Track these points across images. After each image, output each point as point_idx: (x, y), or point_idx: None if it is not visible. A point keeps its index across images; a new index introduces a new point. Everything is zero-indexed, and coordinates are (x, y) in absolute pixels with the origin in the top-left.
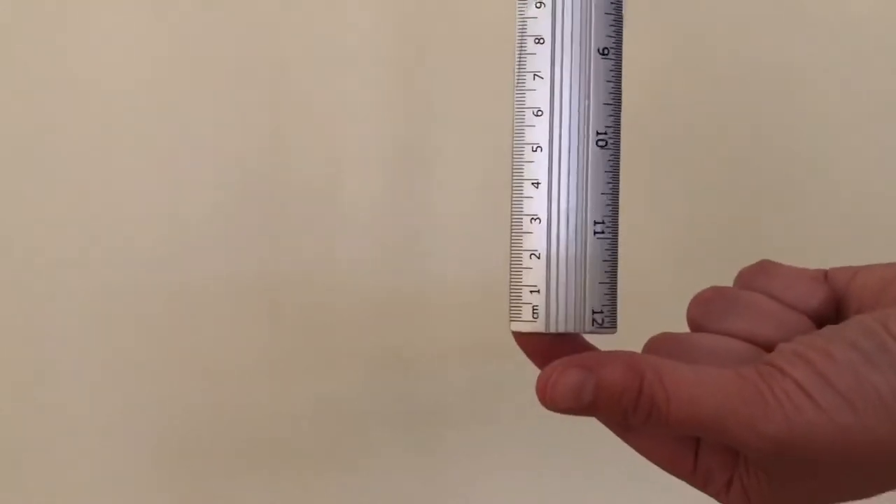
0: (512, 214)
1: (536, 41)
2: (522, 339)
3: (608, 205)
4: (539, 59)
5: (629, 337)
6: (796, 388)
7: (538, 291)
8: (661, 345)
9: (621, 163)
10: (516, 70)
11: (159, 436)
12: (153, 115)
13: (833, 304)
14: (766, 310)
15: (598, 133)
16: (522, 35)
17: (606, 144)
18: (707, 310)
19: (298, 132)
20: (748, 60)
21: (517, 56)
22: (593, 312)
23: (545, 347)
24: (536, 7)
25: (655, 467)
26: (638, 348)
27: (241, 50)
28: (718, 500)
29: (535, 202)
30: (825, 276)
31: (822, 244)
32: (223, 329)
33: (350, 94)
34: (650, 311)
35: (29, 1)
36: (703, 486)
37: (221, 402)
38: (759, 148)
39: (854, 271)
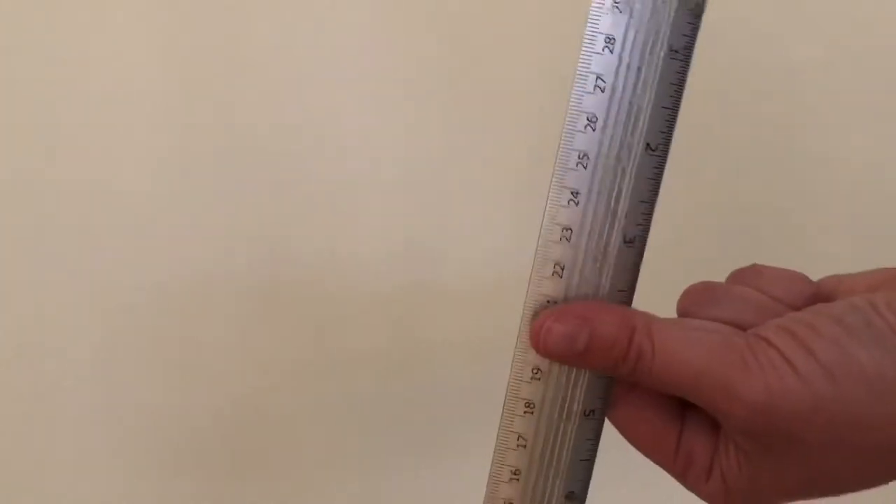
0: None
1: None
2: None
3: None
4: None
5: None
6: (779, 356)
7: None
8: None
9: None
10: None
11: (159, 436)
12: (152, 114)
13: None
14: (754, 300)
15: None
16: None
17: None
18: (696, 300)
19: (299, 128)
20: (748, 59)
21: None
22: None
23: None
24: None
25: (656, 469)
26: None
27: (241, 47)
28: (697, 491)
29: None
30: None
31: (821, 249)
32: (222, 328)
33: (354, 88)
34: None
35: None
36: (683, 472)
37: (221, 402)
38: (759, 150)
39: (841, 278)
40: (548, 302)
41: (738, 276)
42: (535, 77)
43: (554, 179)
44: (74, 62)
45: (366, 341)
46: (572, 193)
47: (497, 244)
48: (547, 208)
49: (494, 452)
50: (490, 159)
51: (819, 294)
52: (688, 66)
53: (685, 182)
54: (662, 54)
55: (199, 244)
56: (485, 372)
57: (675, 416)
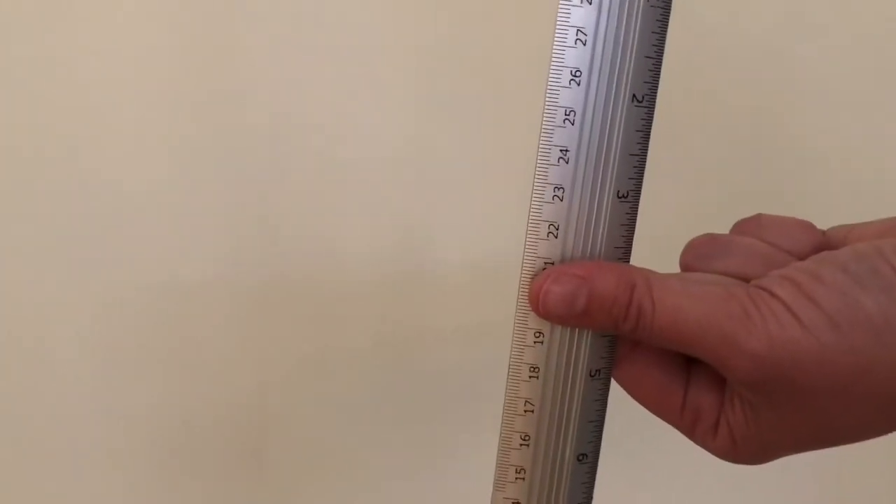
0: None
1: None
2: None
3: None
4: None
5: None
6: (782, 307)
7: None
8: None
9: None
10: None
11: (158, 435)
12: (150, 114)
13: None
14: (759, 251)
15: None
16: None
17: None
18: (698, 253)
19: (296, 124)
20: (748, 52)
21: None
22: None
23: None
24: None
25: (664, 460)
26: None
27: (239, 46)
28: (706, 446)
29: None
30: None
31: None
32: (219, 327)
33: (351, 80)
34: None
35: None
36: (691, 427)
37: (220, 401)
38: (760, 142)
39: (850, 227)
40: (545, 264)
41: (742, 227)
42: (534, 64)
43: (542, 137)
44: (74, 62)
45: (364, 335)
46: (561, 151)
47: (495, 233)
48: (537, 168)
49: (503, 419)
50: (487, 147)
51: (827, 243)
52: (668, 13)
53: (683, 174)
54: (642, 3)
55: (196, 243)
56: (484, 359)
57: (680, 372)
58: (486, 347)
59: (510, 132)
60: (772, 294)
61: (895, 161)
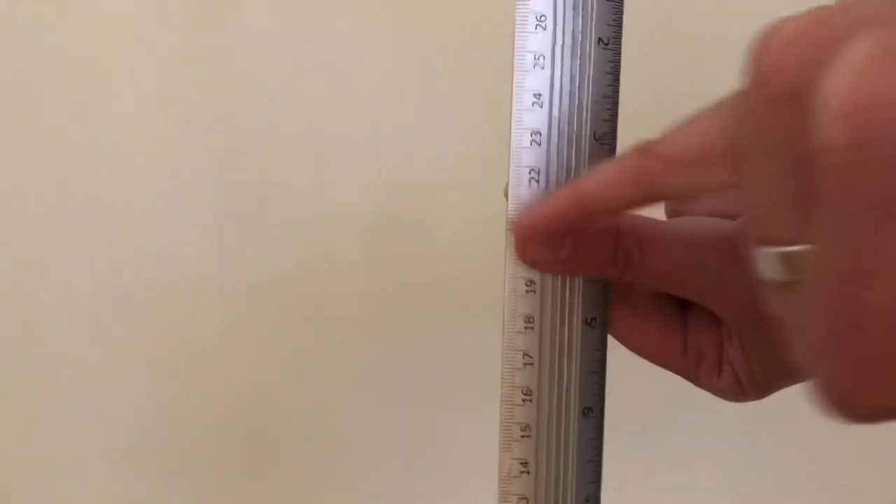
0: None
1: None
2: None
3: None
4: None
5: None
6: None
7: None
8: None
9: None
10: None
11: (157, 435)
12: (143, 115)
13: None
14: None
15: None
16: None
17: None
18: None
19: (288, 124)
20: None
21: None
22: None
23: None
24: None
25: (662, 445)
26: None
27: (232, 46)
28: (712, 388)
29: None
30: None
31: None
32: (216, 326)
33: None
34: None
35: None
36: (694, 370)
37: (218, 401)
38: None
39: None
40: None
41: None
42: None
43: (515, 83)
44: (74, 62)
45: (360, 330)
46: (535, 95)
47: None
48: (513, 115)
49: (502, 375)
50: (480, 133)
51: None
52: None
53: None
54: None
55: (190, 242)
56: (488, 350)
57: (677, 316)
58: (487, 339)
59: (501, 118)
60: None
61: None
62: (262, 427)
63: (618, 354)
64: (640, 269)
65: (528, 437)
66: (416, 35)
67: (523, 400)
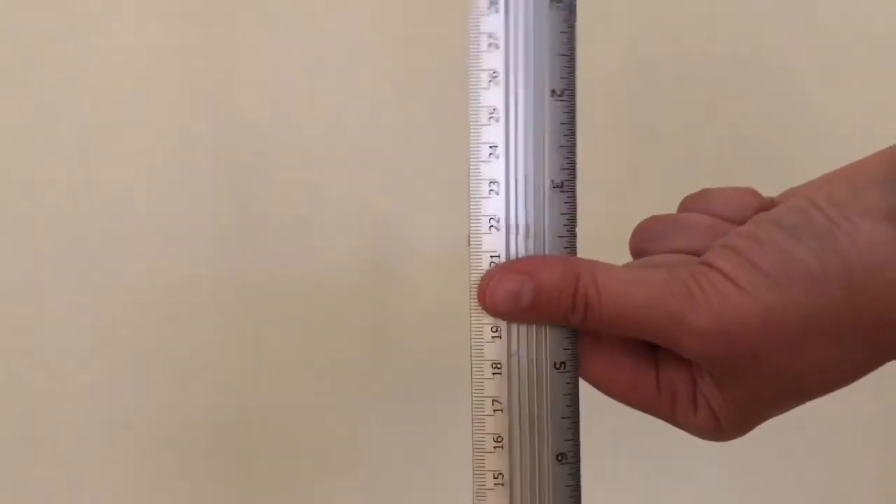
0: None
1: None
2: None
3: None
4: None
5: None
6: (722, 277)
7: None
8: None
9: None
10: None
11: (148, 437)
12: (138, 118)
13: None
14: (703, 224)
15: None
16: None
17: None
18: (645, 235)
19: (280, 128)
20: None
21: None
22: None
23: None
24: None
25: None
26: None
27: (230, 54)
28: (689, 426)
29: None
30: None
31: None
32: (206, 330)
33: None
34: None
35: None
36: (670, 409)
37: (217, 403)
38: (746, 143)
39: (794, 189)
40: (491, 258)
41: (687, 204)
42: None
43: (471, 136)
44: (74, 62)
45: (351, 332)
46: (490, 147)
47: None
48: (470, 166)
49: (473, 423)
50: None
51: (769, 206)
52: (573, 14)
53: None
54: (546, 7)
55: (185, 246)
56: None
57: (647, 355)
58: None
59: None
60: (711, 266)
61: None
62: (262, 427)
63: None
64: (601, 317)
65: (502, 485)
66: (408, 43)
67: (494, 447)
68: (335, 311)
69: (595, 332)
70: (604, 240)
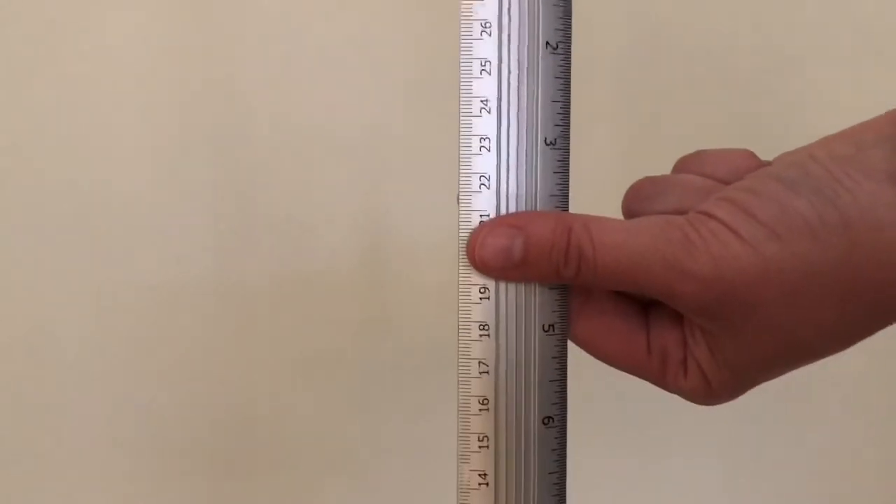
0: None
1: None
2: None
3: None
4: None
5: None
6: (722, 226)
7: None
8: None
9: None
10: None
11: (147, 436)
12: (135, 117)
13: None
14: (697, 185)
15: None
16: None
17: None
18: (638, 195)
19: (275, 126)
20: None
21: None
22: None
23: None
24: None
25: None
26: None
27: (223, 54)
28: (680, 389)
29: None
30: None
31: None
32: (205, 328)
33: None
34: None
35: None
36: (660, 372)
37: (215, 401)
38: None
39: (793, 151)
40: (480, 217)
41: (682, 164)
42: None
43: (462, 89)
44: (73, 62)
45: (350, 328)
46: (482, 101)
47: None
48: (461, 121)
49: (458, 384)
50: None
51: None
52: None
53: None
54: None
55: (184, 244)
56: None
57: (638, 316)
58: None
59: None
60: (710, 216)
61: None
62: (262, 427)
63: None
64: (595, 269)
65: (486, 447)
66: (410, 38)
67: (480, 409)
68: (335, 311)
69: (586, 292)
70: (598, 206)
